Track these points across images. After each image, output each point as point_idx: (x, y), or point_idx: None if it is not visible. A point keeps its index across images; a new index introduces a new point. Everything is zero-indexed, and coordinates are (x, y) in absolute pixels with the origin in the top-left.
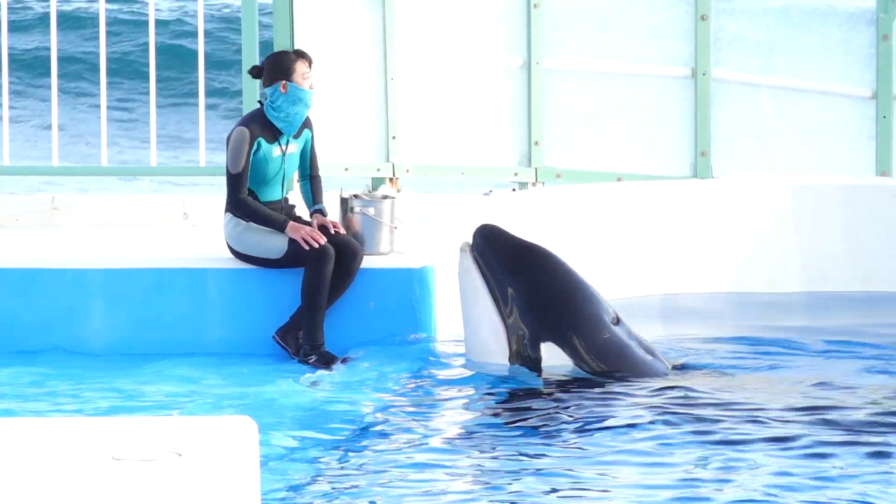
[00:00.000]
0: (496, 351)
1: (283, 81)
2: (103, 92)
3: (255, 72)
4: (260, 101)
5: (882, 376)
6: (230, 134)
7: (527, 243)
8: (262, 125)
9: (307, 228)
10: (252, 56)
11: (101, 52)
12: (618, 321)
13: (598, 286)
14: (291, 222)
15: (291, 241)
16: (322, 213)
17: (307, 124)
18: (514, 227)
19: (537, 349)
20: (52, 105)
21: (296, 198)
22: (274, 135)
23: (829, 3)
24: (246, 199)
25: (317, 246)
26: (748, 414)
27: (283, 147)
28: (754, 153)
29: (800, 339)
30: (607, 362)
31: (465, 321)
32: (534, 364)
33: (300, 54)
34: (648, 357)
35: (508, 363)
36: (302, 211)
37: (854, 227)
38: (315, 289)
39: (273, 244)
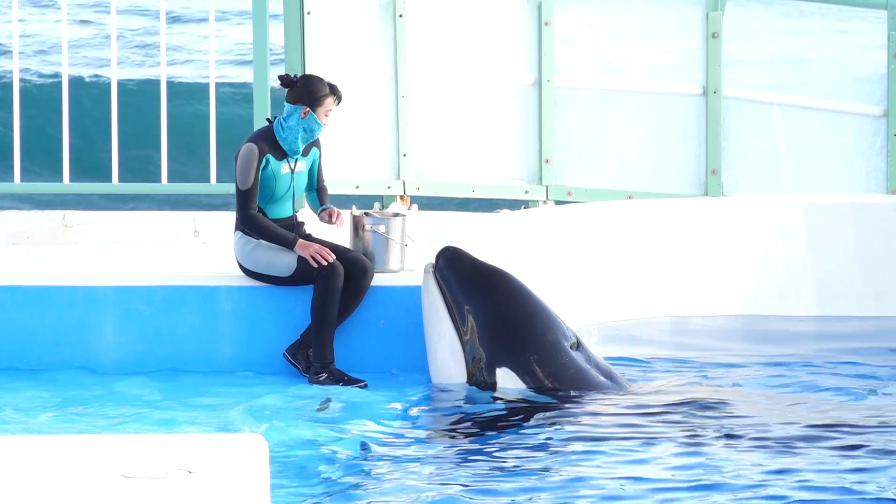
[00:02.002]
0: (455, 372)
1: (307, 109)
2: (114, 109)
3: (286, 81)
4: (269, 120)
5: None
6: (238, 151)
7: (488, 267)
8: (271, 142)
9: (316, 246)
10: (263, 71)
11: (112, 68)
12: (577, 346)
13: (607, 304)
14: (300, 240)
15: (301, 259)
16: (329, 210)
17: (315, 143)
18: (525, 244)
19: (493, 374)
20: (62, 123)
21: (304, 214)
22: (282, 152)
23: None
24: (255, 215)
25: (325, 263)
26: (701, 432)
27: (292, 165)
28: (765, 171)
29: (808, 360)
30: (562, 387)
31: (427, 342)
32: (489, 388)
33: (334, 90)
34: (605, 381)
35: (467, 384)
36: (311, 223)
37: (865, 245)
38: (324, 306)
39: (283, 262)
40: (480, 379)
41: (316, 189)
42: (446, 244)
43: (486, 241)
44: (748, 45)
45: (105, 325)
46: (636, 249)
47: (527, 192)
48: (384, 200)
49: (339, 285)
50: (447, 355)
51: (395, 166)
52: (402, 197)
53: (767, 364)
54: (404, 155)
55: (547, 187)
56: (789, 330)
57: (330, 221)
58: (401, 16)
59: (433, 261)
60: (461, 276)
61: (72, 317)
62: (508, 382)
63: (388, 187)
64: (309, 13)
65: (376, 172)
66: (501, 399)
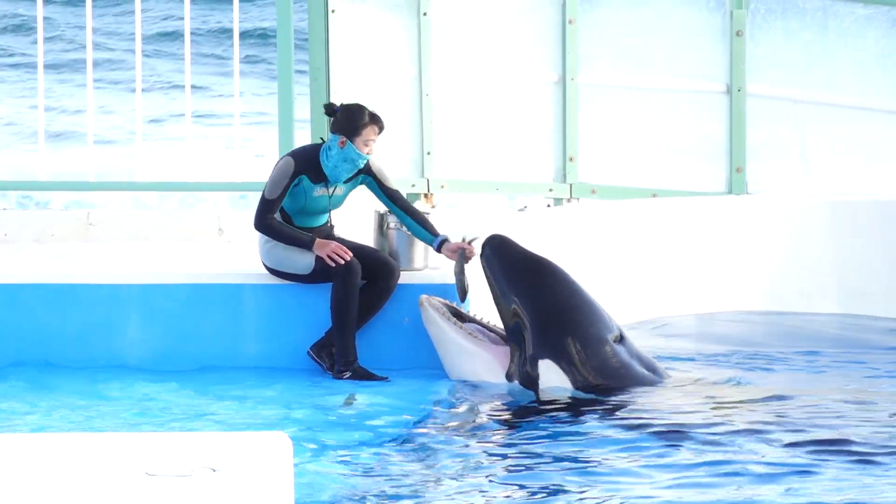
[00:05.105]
0: (483, 375)
1: (344, 139)
2: (139, 107)
3: (329, 110)
4: (322, 139)
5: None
6: (280, 160)
7: (535, 257)
8: (311, 163)
9: (333, 244)
10: (287, 74)
11: (136, 65)
12: (621, 339)
13: (632, 301)
14: (318, 239)
15: (319, 258)
16: (447, 240)
17: (366, 170)
18: (549, 242)
19: (536, 366)
20: (87, 121)
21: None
22: (320, 175)
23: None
24: (272, 220)
25: (342, 262)
26: (742, 426)
27: (330, 190)
28: (790, 169)
29: (829, 358)
30: (605, 381)
31: (446, 364)
32: (531, 382)
33: (375, 120)
34: (648, 374)
35: (506, 381)
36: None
37: (890, 244)
38: (344, 305)
39: (301, 260)
40: (523, 372)
41: (404, 210)
42: (493, 233)
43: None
44: (772, 43)
45: (129, 322)
46: (660, 247)
47: (551, 189)
48: (408, 198)
49: (356, 283)
50: (479, 367)
51: (419, 164)
52: (426, 195)
53: (798, 360)
54: (428, 153)
55: (571, 185)
56: (814, 327)
57: (464, 258)
58: (425, 14)
59: (426, 295)
60: (508, 265)
61: (96, 315)
62: (551, 375)
63: (413, 185)
64: (333, 11)
65: (400, 170)
66: (538, 393)
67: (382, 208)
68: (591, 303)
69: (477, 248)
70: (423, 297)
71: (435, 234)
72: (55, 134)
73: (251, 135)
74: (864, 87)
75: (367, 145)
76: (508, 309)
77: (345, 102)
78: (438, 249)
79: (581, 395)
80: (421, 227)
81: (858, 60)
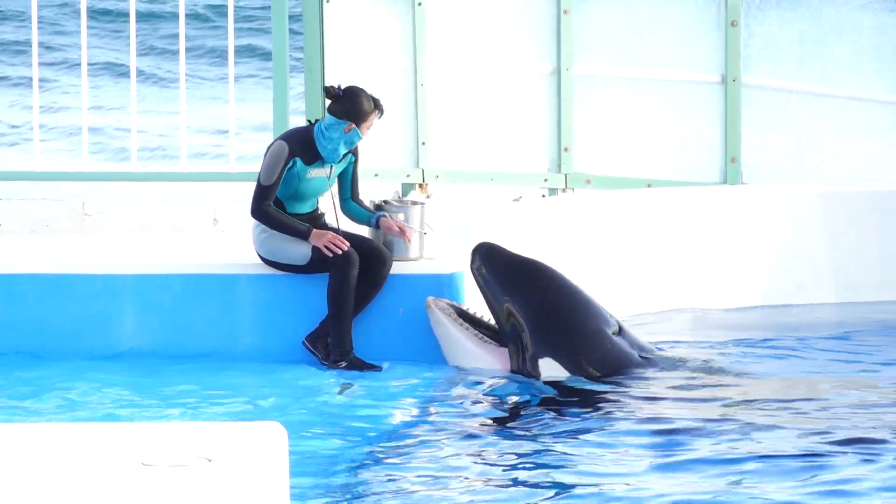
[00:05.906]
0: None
1: (352, 125)
2: (134, 97)
3: (332, 93)
4: (310, 122)
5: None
6: (270, 145)
7: (525, 260)
8: (304, 145)
9: (330, 235)
10: (283, 66)
11: (131, 54)
12: (619, 331)
13: (627, 291)
14: (315, 230)
15: (315, 248)
16: (385, 215)
17: (353, 150)
18: (544, 233)
19: (536, 366)
20: (82, 109)
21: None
22: (313, 156)
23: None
24: (269, 208)
25: (340, 252)
26: (745, 416)
27: (326, 171)
28: (785, 159)
29: (827, 347)
30: (606, 374)
31: (452, 365)
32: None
33: (377, 105)
34: (650, 365)
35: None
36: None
37: (886, 235)
38: (341, 295)
39: (297, 251)
40: (525, 371)
41: (352, 198)
42: (481, 241)
43: (505, 230)
44: (767, 32)
45: (124, 313)
46: (655, 237)
47: (546, 180)
48: (403, 189)
49: (353, 273)
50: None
51: (413, 155)
52: (420, 185)
53: (797, 349)
54: (423, 143)
55: (566, 175)
56: (811, 316)
57: (402, 235)
58: (419, 4)
59: (432, 297)
60: (499, 271)
61: (92, 305)
62: (553, 372)
63: (407, 175)
64: (328, 1)
65: (395, 161)
66: (539, 385)
67: (377, 198)
68: (586, 299)
69: (411, 234)
70: (430, 298)
71: (371, 212)
72: (50, 129)
73: (246, 129)
74: (859, 76)
75: (368, 129)
76: (504, 313)
77: (346, 86)
78: (377, 226)
79: (582, 385)
80: (360, 210)
81: (853, 50)
